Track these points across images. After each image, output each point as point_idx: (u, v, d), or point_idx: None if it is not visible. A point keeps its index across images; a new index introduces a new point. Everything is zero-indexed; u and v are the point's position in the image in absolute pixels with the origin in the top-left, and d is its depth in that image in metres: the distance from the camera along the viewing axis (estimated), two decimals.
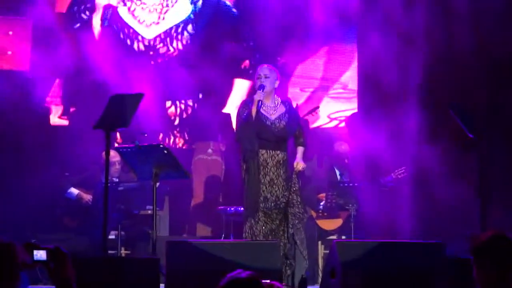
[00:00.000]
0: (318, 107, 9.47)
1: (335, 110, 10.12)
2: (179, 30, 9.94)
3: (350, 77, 10.15)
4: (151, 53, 9.90)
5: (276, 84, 6.95)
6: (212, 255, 5.93)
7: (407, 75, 9.14)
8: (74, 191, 8.43)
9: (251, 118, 6.75)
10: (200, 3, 10.02)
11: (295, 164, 6.90)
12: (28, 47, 9.53)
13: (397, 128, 8.97)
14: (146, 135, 8.05)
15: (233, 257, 5.88)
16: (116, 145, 8.50)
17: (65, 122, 9.58)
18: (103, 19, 9.76)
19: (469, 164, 7.63)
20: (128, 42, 9.88)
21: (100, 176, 8.13)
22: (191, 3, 10.00)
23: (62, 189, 8.45)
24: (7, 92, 8.75)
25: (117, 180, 8.32)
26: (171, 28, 9.95)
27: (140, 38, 9.91)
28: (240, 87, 9.94)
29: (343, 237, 8.41)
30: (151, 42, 9.93)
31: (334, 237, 8.45)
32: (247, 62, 9.99)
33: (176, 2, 9.99)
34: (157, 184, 6.63)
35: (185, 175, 6.89)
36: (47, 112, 9.60)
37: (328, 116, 10.06)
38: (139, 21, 9.91)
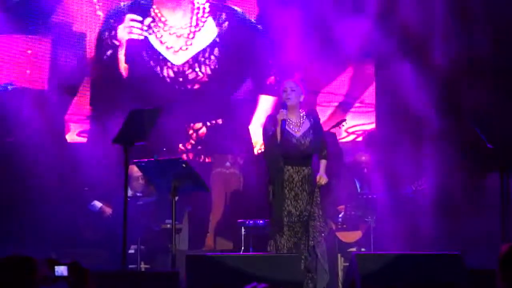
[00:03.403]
0: (345, 120, 9.46)
1: (352, 124, 10.13)
2: (206, 54, 10.04)
3: (367, 91, 10.16)
4: (181, 79, 10.01)
5: (301, 98, 7.01)
6: (232, 268, 5.93)
7: (425, 86, 9.13)
8: (97, 204, 8.48)
9: (276, 138, 6.80)
10: (226, 24, 10.10)
11: (318, 177, 6.92)
12: (46, 66, 9.61)
13: (416, 141, 8.95)
14: (165, 149, 8.09)
15: (253, 271, 5.88)
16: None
17: (83, 140, 9.65)
18: (127, 55, 9.85)
19: (490, 175, 7.60)
20: (158, 69, 9.98)
21: (120, 190, 8.15)
22: (217, 26, 10.09)
23: (85, 201, 8.50)
24: (25, 109, 8.83)
25: (141, 194, 8.36)
26: (198, 53, 10.04)
27: (169, 64, 10.01)
28: (265, 103, 10.00)
29: (363, 249, 8.39)
30: (180, 68, 10.04)
31: (353, 249, 8.43)
32: (272, 78, 10.06)
33: (202, 26, 10.08)
34: (176, 198, 6.65)
35: (204, 189, 6.91)
36: (67, 129, 9.69)
37: (346, 131, 10.07)
38: (167, 47, 10.00)
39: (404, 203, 8.57)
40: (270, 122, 6.94)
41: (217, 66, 10.00)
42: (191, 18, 10.06)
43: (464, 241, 8.14)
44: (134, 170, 7.93)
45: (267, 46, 9.96)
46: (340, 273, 8.27)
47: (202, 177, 6.89)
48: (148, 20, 9.96)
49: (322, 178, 6.92)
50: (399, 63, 9.12)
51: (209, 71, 10.00)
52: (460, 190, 8.54)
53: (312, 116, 7.09)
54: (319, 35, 9.71)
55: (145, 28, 9.91)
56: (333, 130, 9.22)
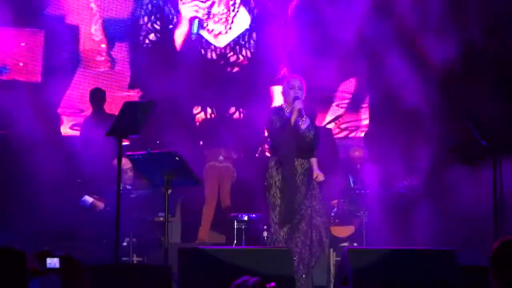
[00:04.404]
0: (341, 116, 9.48)
1: (344, 120, 10.14)
2: (246, 38, 10.23)
3: (361, 87, 10.17)
4: (222, 62, 10.22)
5: (303, 96, 7.06)
6: (224, 262, 5.93)
7: (418, 82, 9.14)
8: (88, 199, 8.42)
9: (289, 126, 6.80)
10: (256, 11, 10.31)
11: (315, 174, 6.94)
12: (39, 58, 9.58)
13: (409, 136, 8.96)
14: (158, 142, 8.07)
15: (245, 264, 5.88)
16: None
17: (76, 133, 9.63)
18: (190, 32, 10.08)
19: (483, 171, 7.61)
20: (202, 51, 10.25)
21: (112, 183, 8.12)
22: (249, 13, 10.26)
23: (77, 194, 8.47)
24: (18, 102, 8.81)
25: (130, 187, 8.33)
26: (239, 37, 10.18)
27: (213, 47, 10.19)
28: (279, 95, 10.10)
29: (355, 244, 8.40)
30: (223, 51, 10.28)
31: (346, 244, 8.44)
32: (285, 70, 10.15)
33: (238, 11, 10.24)
34: (169, 191, 6.62)
35: (197, 182, 6.89)
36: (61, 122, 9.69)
37: (339, 126, 10.06)
38: (208, 30, 10.16)
39: (396, 198, 8.58)
40: (276, 114, 6.96)
41: (254, 51, 10.32)
42: (226, 4, 10.23)
43: (457, 236, 8.16)
44: (123, 162, 7.89)
45: (282, 38, 10.05)
46: (332, 268, 8.28)
47: (195, 170, 6.88)
48: (208, 2, 10.25)
49: (319, 175, 6.97)
50: (393, 58, 9.13)
51: (249, 55, 10.25)
52: (453, 185, 8.55)
53: (311, 115, 7.19)
54: (312, 31, 9.72)
55: (206, 10, 10.16)
56: (328, 126, 9.24)
